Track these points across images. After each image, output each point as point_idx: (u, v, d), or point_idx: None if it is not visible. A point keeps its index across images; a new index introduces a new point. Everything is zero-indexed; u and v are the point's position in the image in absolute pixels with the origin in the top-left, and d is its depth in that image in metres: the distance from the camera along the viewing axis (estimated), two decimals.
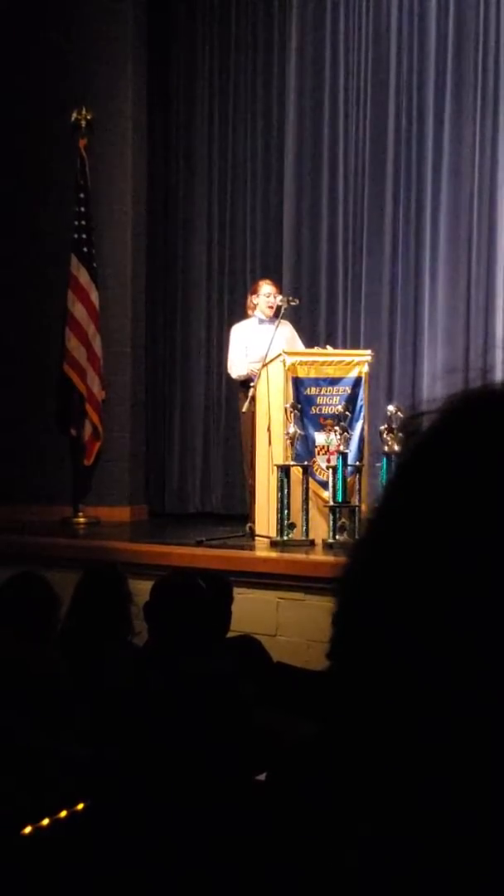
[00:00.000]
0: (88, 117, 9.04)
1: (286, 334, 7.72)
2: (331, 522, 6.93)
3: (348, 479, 7.01)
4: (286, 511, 6.99)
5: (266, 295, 7.84)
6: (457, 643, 0.60)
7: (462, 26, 8.68)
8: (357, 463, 7.19)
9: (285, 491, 6.98)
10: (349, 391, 7.35)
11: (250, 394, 7.34)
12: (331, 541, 6.89)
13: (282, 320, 7.63)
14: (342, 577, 0.68)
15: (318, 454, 7.28)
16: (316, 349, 7.73)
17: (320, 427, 7.30)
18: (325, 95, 9.21)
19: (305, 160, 9.29)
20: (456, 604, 0.60)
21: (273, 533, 7.05)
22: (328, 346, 7.84)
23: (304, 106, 9.29)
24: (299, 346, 7.81)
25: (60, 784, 2.43)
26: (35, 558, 6.50)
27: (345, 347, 8.38)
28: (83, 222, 8.97)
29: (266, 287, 7.91)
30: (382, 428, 7.01)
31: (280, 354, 7.32)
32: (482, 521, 0.61)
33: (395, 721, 0.62)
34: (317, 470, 7.24)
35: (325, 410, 7.33)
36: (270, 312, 7.79)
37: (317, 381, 7.35)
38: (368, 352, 7.66)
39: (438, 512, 0.62)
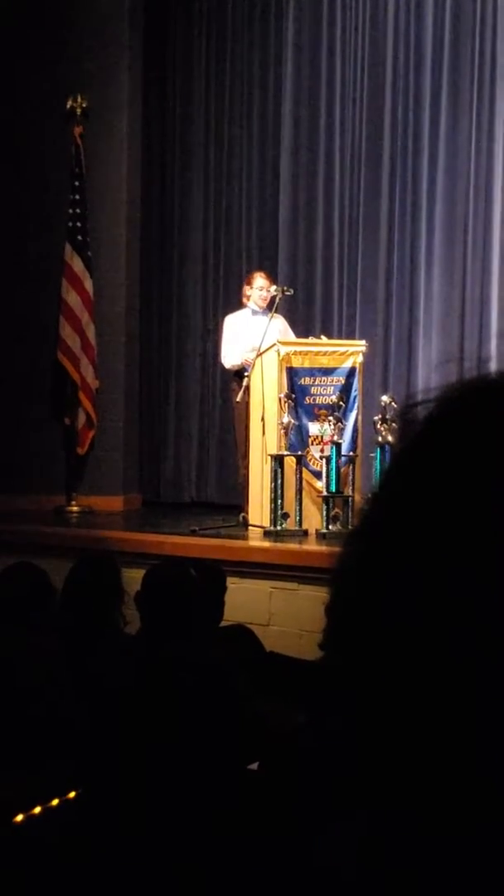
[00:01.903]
0: (84, 105, 9.00)
1: (279, 327, 7.71)
2: (324, 512, 6.94)
3: (342, 470, 7.02)
4: (280, 501, 6.99)
5: (259, 288, 7.83)
6: (453, 634, 0.59)
7: (459, 18, 8.66)
8: (351, 453, 7.20)
9: (279, 481, 6.98)
10: (343, 381, 7.35)
11: (244, 383, 7.33)
12: (324, 531, 6.90)
13: (275, 314, 7.61)
14: (336, 567, 0.68)
15: (312, 444, 7.28)
16: (310, 339, 7.73)
17: (314, 417, 7.30)
18: (322, 86, 9.19)
19: (302, 150, 9.27)
20: (453, 595, 0.60)
21: (266, 523, 7.05)
22: (323, 336, 7.84)
23: (300, 96, 9.27)
24: (291, 339, 7.79)
25: (52, 772, 2.43)
26: (28, 547, 6.49)
27: (339, 338, 8.38)
28: (78, 210, 8.94)
29: (259, 280, 7.90)
30: (376, 418, 7.02)
31: (274, 344, 7.31)
32: (479, 512, 0.60)
33: (389, 713, 0.62)
34: (310, 460, 7.24)
35: (320, 400, 7.33)
36: (263, 304, 7.79)
37: (311, 371, 7.35)
38: (363, 342, 7.66)
39: (435, 502, 0.62)
